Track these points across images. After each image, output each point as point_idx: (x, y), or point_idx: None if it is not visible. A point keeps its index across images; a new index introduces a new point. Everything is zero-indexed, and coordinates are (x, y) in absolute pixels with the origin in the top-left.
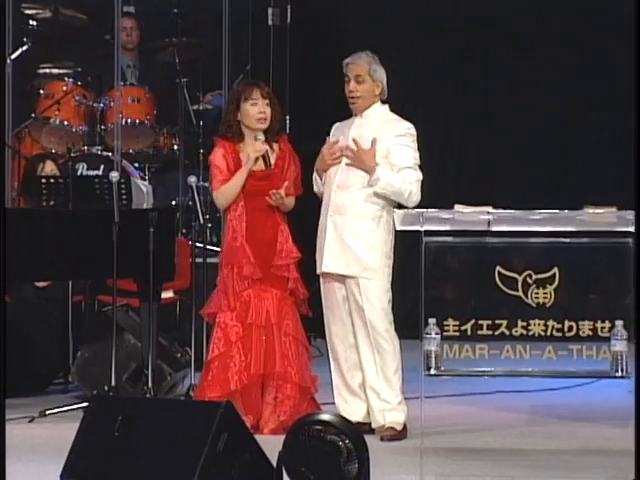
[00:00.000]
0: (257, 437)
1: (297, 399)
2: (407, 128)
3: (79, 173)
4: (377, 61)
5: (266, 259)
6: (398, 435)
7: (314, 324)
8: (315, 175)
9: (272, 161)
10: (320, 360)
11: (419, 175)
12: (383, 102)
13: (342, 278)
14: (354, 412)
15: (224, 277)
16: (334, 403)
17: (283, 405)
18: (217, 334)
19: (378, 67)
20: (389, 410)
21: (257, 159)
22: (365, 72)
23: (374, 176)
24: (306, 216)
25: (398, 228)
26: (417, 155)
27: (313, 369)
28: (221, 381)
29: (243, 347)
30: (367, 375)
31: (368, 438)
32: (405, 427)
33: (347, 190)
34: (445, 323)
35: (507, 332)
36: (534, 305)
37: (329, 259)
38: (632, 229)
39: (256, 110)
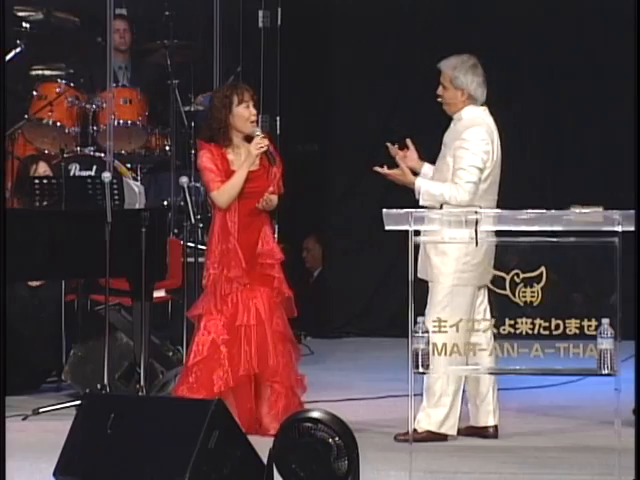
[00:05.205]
0: (248, 435)
1: (288, 397)
2: (472, 132)
3: (72, 174)
4: (465, 65)
5: (253, 260)
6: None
7: (303, 322)
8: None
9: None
10: (310, 358)
11: (469, 176)
12: (482, 104)
13: None
14: None
15: (212, 279)
16: (321, 402)
17: (277, 403)
18: (201, 337)
19: (461, 73)
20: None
21: (258, 156)
22: (447, 80)
23: (415, 189)
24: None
25: (387, 228)
26: (475, 158)
27: (304, 368)
28: (205, 384)
29: (229, 350)
30: None
31: (357, 435)
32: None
33: None
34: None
35: (495, 330)
36: (521, 304)
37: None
38: (618, 229)
39: (248, 113)
